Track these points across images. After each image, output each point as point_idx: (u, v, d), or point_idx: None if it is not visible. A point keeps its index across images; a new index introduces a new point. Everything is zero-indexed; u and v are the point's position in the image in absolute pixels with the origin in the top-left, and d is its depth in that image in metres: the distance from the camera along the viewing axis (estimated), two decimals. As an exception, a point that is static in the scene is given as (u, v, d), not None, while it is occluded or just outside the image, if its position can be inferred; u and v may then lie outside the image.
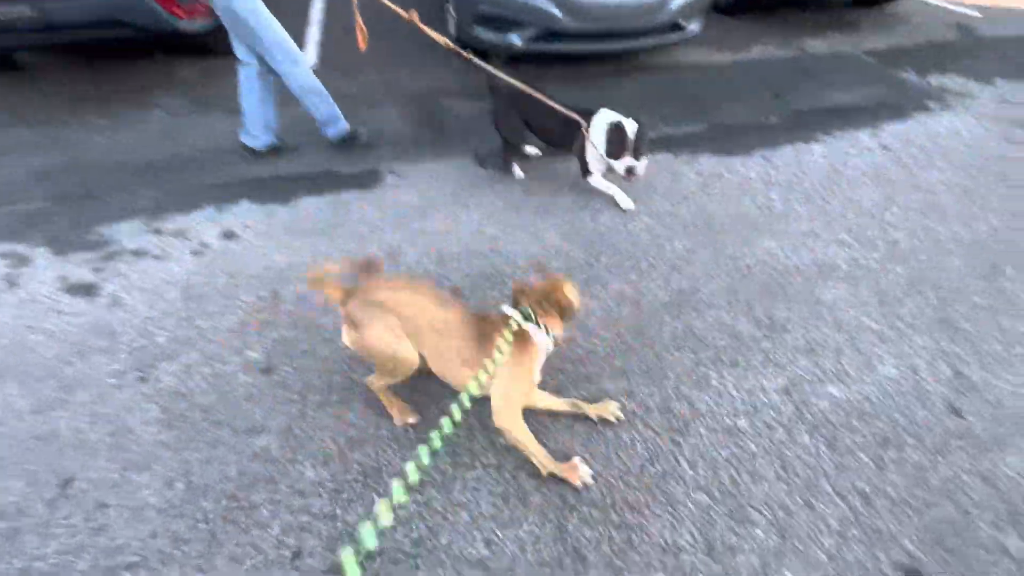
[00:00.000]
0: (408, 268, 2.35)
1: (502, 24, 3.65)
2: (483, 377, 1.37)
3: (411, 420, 1.71)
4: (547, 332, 1.56)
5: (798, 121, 3.50)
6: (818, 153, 3.19)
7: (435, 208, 2.72)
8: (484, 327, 1.55)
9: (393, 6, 2.56)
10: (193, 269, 2.33)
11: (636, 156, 2.50)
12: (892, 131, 3.40)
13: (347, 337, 1.61)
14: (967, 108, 3.67)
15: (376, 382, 1.69)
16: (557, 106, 2.58)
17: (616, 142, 2.49)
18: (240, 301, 2.17)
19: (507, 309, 1.59)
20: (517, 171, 2.96)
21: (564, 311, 1.59)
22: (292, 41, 2.82)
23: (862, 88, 3.94)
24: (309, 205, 2.74)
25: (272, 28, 2.72)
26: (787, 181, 2.94)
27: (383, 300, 1.55)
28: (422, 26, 2.58)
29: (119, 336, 2.02)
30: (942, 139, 3.33)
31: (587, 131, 2.56)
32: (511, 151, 2.92)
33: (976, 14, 5.37)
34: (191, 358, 1.94)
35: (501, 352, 1.43)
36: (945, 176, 2.99)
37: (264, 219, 2.64)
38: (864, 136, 3.35)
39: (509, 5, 3.54)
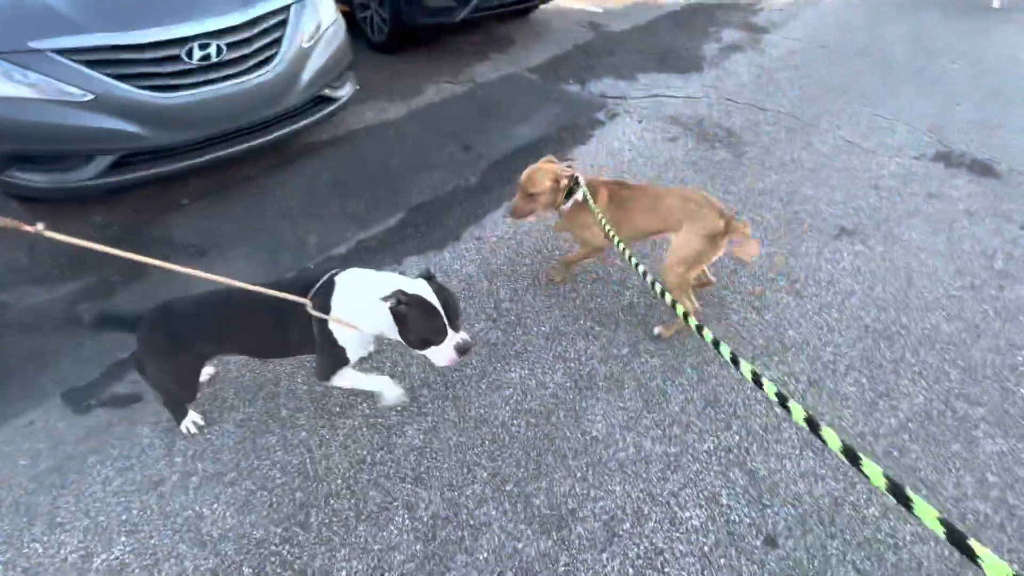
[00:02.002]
0: None
1: (56, 160, 2.40)
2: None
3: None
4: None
5: (495, 175, 3.16)
6: (526, 211, 2.87)
7: (-11, 559, 1.50)
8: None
9: None
10: None
11: (455, 326, 1.49)
12: (581, 157, 3.31)
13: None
14: (628, 112, 3.85)
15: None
16: (261, 288, 1.43)
17: (425, 320, 1.45)
18: None
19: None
20: (190, 421, 1.80)
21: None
22: None
23: (539, 114, 3.83)
24: None
25: None
26: (506, 268, 2.51)
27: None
28: None
29: None
30: (623, 154, 3.37)
31: (315, 309, 1.48)
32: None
33: (598, 10, 5.97)
34: None
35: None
36: (641, 200, 2.96)
37: None
38: (560, 174, 3.17)
39: (59, 137, 2.29)
